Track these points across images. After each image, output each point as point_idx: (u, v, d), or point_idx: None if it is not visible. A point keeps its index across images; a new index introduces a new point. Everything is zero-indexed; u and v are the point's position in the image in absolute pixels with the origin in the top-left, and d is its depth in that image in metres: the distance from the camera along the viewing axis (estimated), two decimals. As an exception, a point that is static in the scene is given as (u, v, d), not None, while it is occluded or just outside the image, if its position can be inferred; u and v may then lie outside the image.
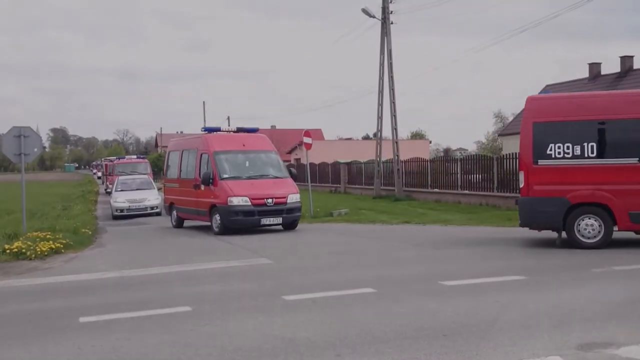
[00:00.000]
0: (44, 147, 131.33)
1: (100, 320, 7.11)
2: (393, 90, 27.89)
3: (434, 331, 6.15)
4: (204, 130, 18.57)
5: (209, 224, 17.24)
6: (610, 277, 8.80)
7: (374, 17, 27.90)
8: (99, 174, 68.63)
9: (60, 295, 8.84)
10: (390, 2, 27.82)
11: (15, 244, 12.61)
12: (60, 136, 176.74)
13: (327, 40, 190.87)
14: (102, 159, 63.72)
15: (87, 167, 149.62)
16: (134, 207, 24.19)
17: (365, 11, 27.65)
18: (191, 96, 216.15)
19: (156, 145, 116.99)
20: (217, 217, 16.37)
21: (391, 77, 27.89)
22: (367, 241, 13.97)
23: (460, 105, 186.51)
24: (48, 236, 13.74)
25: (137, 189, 25.66)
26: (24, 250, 12.33)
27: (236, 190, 16.18)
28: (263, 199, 16.21)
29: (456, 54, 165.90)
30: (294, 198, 16.76)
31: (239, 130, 18.52)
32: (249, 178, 16.83)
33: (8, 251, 12.32)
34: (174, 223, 19.49)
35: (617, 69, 39.14)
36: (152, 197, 24.85)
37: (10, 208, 25.66)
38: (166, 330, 6.58)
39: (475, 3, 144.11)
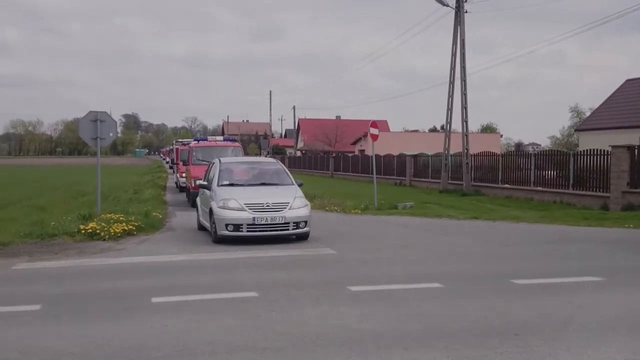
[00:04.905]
0: (117, 133, 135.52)
1: (171, 301, 7.29)
2: (465, 81, 27.32)
3: (505, 329, 6.00)
4: None
5: None
6: (693, 283, 8.36)
7: (447, 5, 27.36)
8: (169, 160, 59.90)
9: (132, 276, 9.11)
10: (465, -9, 27.23)
11: (90, 225, 13.07)
12: (132, 122, 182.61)
13: (396, 28, 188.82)
14: (174, 142, 53.19)
15: (156, 152, 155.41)
16: (263, 221, 12.14)
17: (438, 0, 27.15)
18: (257, 85, 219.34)
19: (222, 133, 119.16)
20: None
21: (463, 68, 27.30)
22: (433, 235, 13.77)
23: (534, 99, 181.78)
24: (121, 218, 14.18)
25: (260, 184, 13.46)
26: (98, 231, 12.77)
27: None
28: None
29: (532, 45, 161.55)
30: None
31: None
32: None
33: (83, 231, 12.78)
34: None
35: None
36: (297, 203, 12.60)
37: (85, 190, 26.72)
38: (235, 314, 6.68)
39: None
